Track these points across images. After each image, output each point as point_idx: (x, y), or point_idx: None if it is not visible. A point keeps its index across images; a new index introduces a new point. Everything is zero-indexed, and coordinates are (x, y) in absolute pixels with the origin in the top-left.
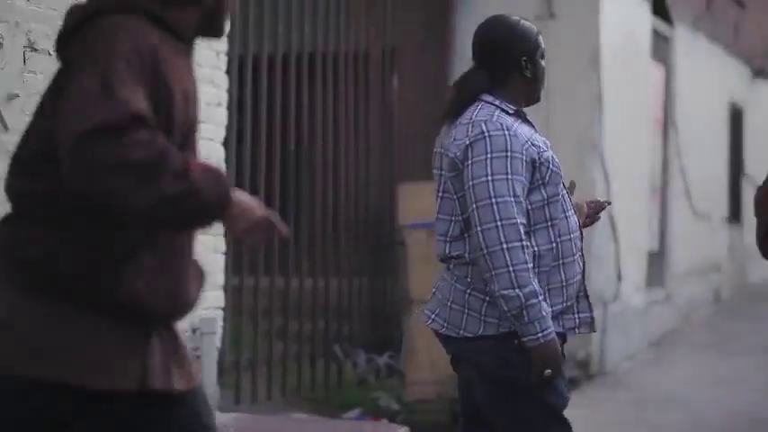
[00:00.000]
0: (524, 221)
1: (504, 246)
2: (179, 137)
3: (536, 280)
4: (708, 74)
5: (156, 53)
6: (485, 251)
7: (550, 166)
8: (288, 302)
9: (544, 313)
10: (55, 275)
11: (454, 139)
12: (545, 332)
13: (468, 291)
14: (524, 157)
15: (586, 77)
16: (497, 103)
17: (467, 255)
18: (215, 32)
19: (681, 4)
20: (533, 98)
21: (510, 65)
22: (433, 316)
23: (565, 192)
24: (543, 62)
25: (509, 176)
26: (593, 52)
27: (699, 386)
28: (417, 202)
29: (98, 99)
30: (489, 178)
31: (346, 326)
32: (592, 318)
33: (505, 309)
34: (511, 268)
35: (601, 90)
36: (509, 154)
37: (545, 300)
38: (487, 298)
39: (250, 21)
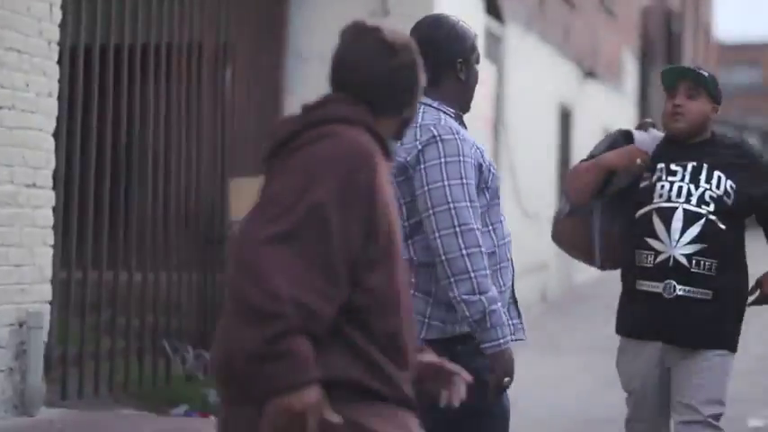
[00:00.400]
0: (480, 226)
1: (464, 252)
2: (380, 252)
3: (493, 286)
4: (538, 74)
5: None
6: (443, 257)
7: (492, 170)
8: (116, 296)
9: (504, 319)
10: None
11: (402, 144)
12: (505, 338)
13: (412, 293)
14: (473, 161)
15: None
16: (436, 105)
17: (414, 258)
18: (400, 138)
19: (513, 5)
20: (465, 104)
21: (445, 65)
22: None
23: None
24: (477, 67)
25: (464, 181)
26: None
27: (525, 386)
28: (248, 198)
29: None
30: (445, 183)
31: (175, 321)
32: (522, 324)
33: (467, 314)
34: (472, 274)
35: None
36: (462, 158)
37: None
38: (431, 300)
39: (83, 10)
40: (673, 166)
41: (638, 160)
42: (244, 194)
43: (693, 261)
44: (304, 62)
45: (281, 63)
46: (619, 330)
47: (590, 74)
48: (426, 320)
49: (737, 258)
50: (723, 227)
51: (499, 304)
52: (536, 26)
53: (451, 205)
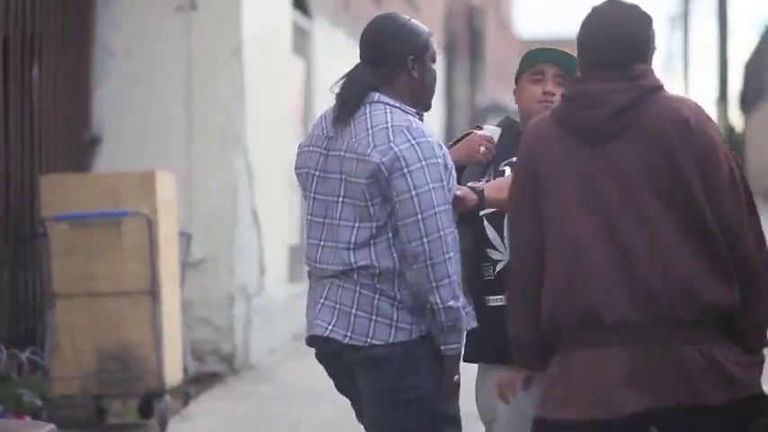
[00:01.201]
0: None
1: (446, 256)
2: None
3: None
4: (347, 68)
5: None
6: (428, 263)
7: (452, 171)
8: None
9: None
10: None
11: (374, 145)
12: (462, 341)
13: (377, 296)
14: (444, 162)
15: (229, 70)
16: (398, 105)
17: (376, 263)
18: None
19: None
20: (422, 102)
21: (396, 63)
22: (330, 327)
23: None
24: (434, 66)
25: (443, 184)
26: (236, 44)
27: None
28: (60, 195)
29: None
30: (430, 187)
31: None
32: (474, 312)
33: (443, 320)
34: (451, 278)
35: (243, 83)
36: (437, 160)
37: None
38: (398, 303)
39: None
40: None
41: (482, 148)
42: (55, 191)
43: None
44: (111, 56)
45: (88, 57)
46: (469, 358)
47: None
48: (394, 323)
49: None
50: None
51: (469, 308)
52: (343, 21)
53: (437, 209)
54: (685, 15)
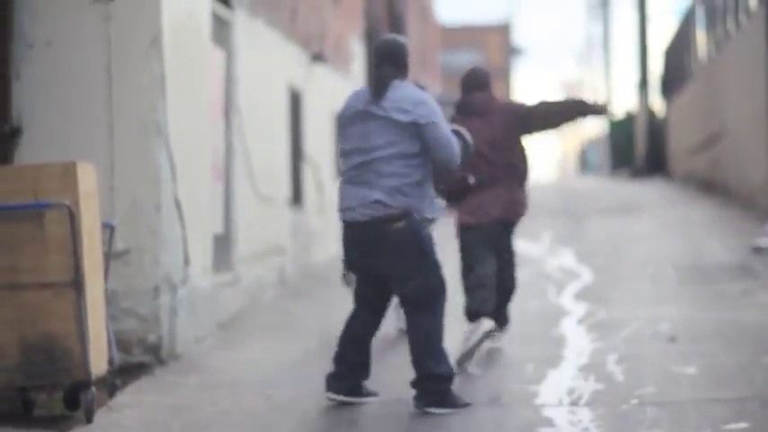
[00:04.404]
0: None
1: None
2: None
3: None
4: (268, 59)
5: None
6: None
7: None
8: None
9: None
10: None
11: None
12: None
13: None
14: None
15: (149, 60)
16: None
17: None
18: None
19: None
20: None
21: (404, 65)
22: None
23: None
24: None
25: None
26: (155, 34)
27: (270, 367)
28: None
29: None
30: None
31: None
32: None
33: None
34: None
35: (164, 73)
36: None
37: None
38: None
39: None
40: None
41: None
42: None
43: None
44: (30, 47)
45: (6, 48)
46: None
47: (317, 57)
48: None
49: None
50: None
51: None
52: (263, 11)
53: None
54: (605, 2)
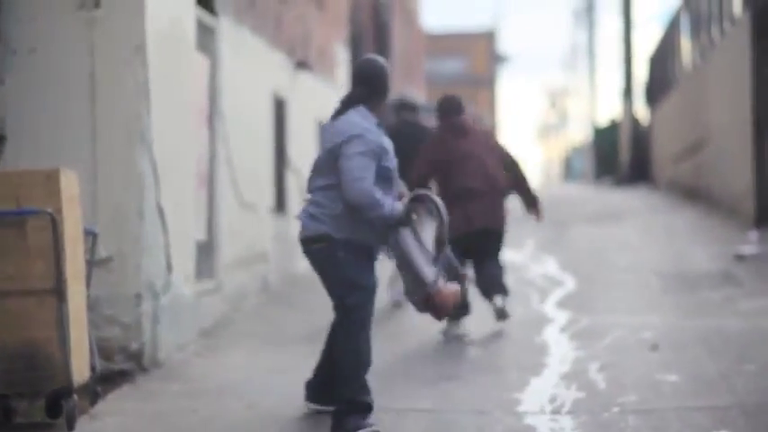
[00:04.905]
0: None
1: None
2: None
3: None
4: (252, 66)
5: None
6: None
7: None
8: None
9: None
10: None
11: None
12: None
13: None
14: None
15: (133, 67)
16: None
17: None
18: None
19: None
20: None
21: (379, 87)
22: None
23: None
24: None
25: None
26: (140, 41)
27: (252, 375)
28: None
29: None
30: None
31: None
32: None
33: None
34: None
35: (148, 80)
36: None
37: None
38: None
39: None
40: None
41: None
42: None
43: None
44: (13, 54)
45: None
46: None
47: (302, 64)
48: None
49: None
50: None
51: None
52: (247, 18)
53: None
54: (590, 10)
